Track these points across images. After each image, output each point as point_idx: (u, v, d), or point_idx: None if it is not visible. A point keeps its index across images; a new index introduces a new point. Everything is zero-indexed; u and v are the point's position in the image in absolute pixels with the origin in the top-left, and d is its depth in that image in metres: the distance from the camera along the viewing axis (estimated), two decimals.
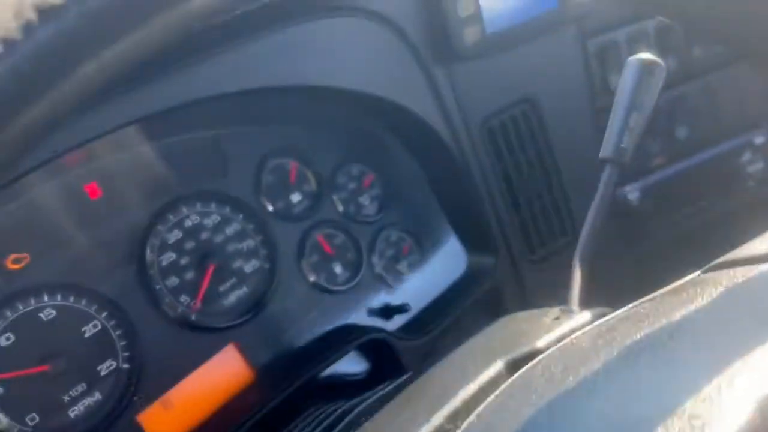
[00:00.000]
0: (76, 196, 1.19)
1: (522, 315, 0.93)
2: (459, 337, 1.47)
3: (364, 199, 1.53)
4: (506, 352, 0.75)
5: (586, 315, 0.79)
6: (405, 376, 1.11)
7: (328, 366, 1.26)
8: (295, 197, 1.43)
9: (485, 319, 1.56)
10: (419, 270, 1.55)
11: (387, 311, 1.43)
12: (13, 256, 1.11)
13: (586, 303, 0.91)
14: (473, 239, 1.56)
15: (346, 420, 1.07)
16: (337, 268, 1.45)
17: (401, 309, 1.40)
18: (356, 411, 1.08)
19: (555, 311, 0.87)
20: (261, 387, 1.28)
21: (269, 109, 1.37)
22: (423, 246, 1.55)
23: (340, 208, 1.48)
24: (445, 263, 1.57)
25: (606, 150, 0.89)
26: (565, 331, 0.77)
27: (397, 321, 1.44)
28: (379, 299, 1.46)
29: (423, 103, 1.37)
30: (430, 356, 1.37)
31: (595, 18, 1.54)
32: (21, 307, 1.09)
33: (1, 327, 1.07)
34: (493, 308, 1.54)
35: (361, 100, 1.31)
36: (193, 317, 1.25)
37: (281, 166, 1.43)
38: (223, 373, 1.25)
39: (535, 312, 0.92)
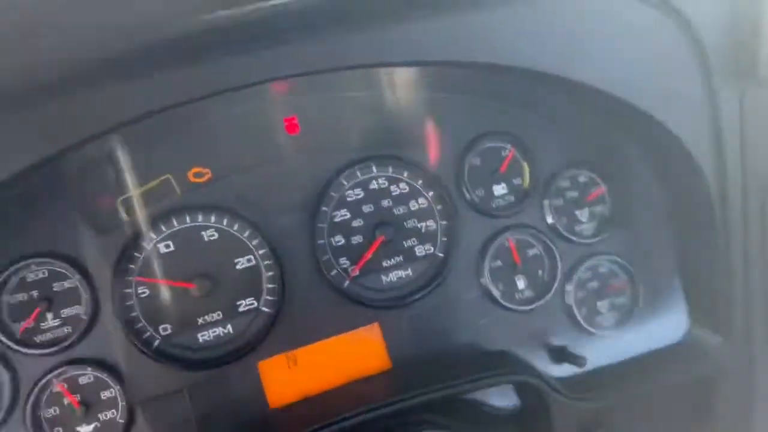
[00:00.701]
0: (272, 126, 1.14)
1: None
2: (634, 427, 1.21)
3: (582, 214, 1.27)
4: None
5: None
6: None
7: (470, 390, 1.09)
8: (499, 189, 1.24)
9: (681, 415, 1.26)
10: (621, 318, 1.26)
11: (559, 354, 1.19)
12: (195, 169, 1.11)
13: None
14: (705, 306, 1.22)
15: None
16: (521, 283, 1.24)
17: (576, 359, 1.16)
18: None
19: None
20: (393, 381, 1.17)
21: (501, 84, 1.16)
22: (636, 291, 1.26)
23: (549, 218, 1.25)
24: (657, 323, 1.25)
25: None
26: None
27: (565, 369, 1.20)
28: (557, 336, 1.23)
29: (694, 129, 1.04)
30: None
31: None
32: (188, 220, 1.10)
33: (165, 233, 1.09)
34: (699, 403, 1.20)
35: (615, 104, 1.04)
36: (347, 284, 1.16)
37: (495, 150, 1.23)
38: (359, 351, 1.16)
39: None
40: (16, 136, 0.79)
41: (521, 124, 1.23)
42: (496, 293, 1.21)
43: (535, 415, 1.13)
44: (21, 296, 1.04)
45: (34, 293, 1.05)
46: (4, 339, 1.02)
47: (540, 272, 1.25)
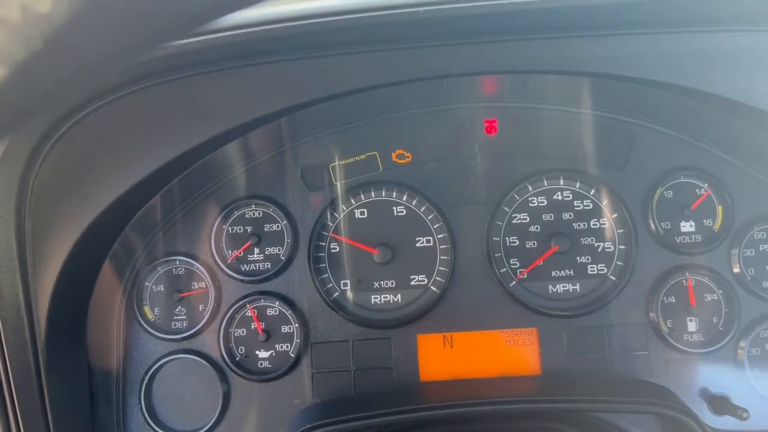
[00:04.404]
0: (474, 125, 1.24)
1: None
2: None
3: None
4: None
5: None
6: None
7: (618, 410, 1.10)
8: (687, 226, 1.21)
9: None
10: None
11: (720, 404, 1.14)
12: (399, 151, 1.23)
13: None
14: None
15: None
16: (691, 325, 1.20)
17: (737, 411, 1.10)
18: None
19: None
20: (542, 386, 1.20)
21: (709, 119, 1.15)
22: None
23: (736, 267, 1.20)
24: None
25: None
26: None
27: (723, 423, 1.14)
28: (719, 386, 1.17)
29: None
30: None
31: None
32: (384, 194, 1.23)
33: (362, 201, 1.23)
34: None
35: None
36: (513, 284, 1.21)
37: (691, 186, 1.22)
38: (512, 350, 1.20)
39: None
40: (268, 84, 0.95)
41: (723, 166, 1.20)
42: (663, 329, 1.19)
43: None
44: (238, 228, 1.23)
45: (249, 228, 1.23)
46: (218, 260, 1.22)
47: (715, 320, 1.20)
